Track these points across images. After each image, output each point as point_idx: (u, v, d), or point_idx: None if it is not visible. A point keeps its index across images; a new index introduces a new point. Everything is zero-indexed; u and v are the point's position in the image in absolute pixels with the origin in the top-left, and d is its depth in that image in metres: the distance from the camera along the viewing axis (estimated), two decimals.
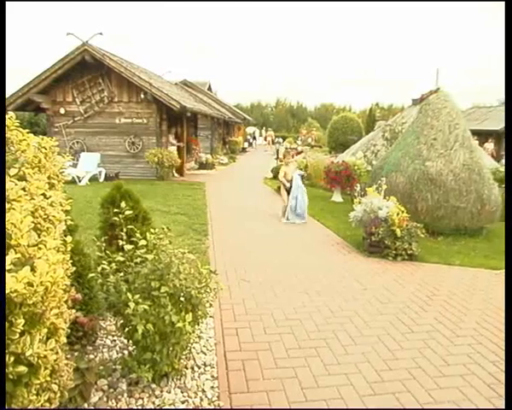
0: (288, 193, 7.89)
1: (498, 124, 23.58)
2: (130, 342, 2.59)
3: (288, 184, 7.95)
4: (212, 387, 2.72)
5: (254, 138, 37.21)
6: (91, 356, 2.91)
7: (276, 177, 13.18)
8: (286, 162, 8.48)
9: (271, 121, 61.05)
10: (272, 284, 4.62)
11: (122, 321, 2.47)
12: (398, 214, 5.42)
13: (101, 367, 2.60)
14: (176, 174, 14.32)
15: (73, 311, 2.15)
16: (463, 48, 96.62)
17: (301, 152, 23.48)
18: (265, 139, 45.62)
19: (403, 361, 3.14)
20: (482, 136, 22.83)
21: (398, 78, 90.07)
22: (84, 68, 13.00)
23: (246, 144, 32.52)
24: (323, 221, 7.74)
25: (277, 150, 24.52)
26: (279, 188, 11.43)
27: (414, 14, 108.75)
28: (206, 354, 3.11)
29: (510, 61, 3.00)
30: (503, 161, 18.19)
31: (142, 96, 13.14)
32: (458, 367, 3.10)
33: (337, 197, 10.02)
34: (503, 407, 2.22)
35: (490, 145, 19.78)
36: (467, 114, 29.22)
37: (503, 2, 3.27)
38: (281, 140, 28.46)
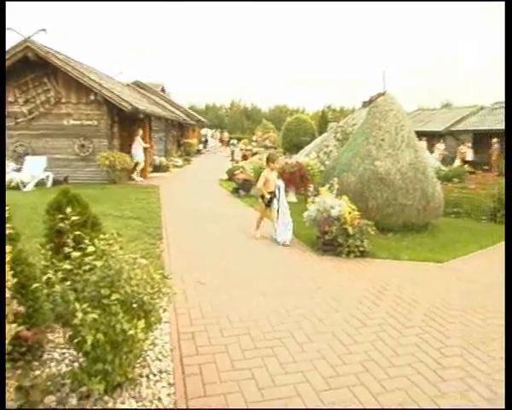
0: (267, 206, 6.67)
1: (441, 125, 25.02)
2: (81, 353, 2.48)
3: (267, 196, 6.59)
4: (169, 394, 2.67)
5: (206, 141, 36.88)
6: (37, 372, 2.75)
7: (231, 178, 13.19)
8: (272, 168, 6.81)
9: (226, 123, 61.01)
10: (228, 286, 4.61)
11: (71, 332, 2.36)
12: (349, 213, 5.59)
13: (49, 383, 2.47)
14: (139, 177, 14.01)
15: (14, 325, 2.02)
16: (409, 50, 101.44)
17: (256, 153, 23.69)
18: (221, 141, 45.55)
19: (356, 355, 3.24)
20: (427, 137, 24.10)
21: (349, 80, 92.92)
22: (28, 67, 12.35)
23: (201, 146, 32.27)
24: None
25: (232, 152, 24.58)
26: (235, 189, 11.48)
27: (362, 15, 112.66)
28: (161, 361, 3.04)
29: (510, 61, 3.09)
30: (434, 157, 19.29)
31: (92, 97, 12.69)
32: (407, 357, 3.24)
33: (292, 198, 10.17)
34: (503, 406, 2.30)
35: (441, 146, 20.83)
36: (412, 116, 30.72)
37: (503, 3, 3.39)
38: (235, 141, 28.48)
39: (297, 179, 9.97)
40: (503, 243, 7.02)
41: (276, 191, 6.54)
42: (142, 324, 2.28)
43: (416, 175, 6.91)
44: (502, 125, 19.97)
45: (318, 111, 49.11)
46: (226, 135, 48.45)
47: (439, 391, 2.82)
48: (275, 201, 6.54)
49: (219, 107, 67.27)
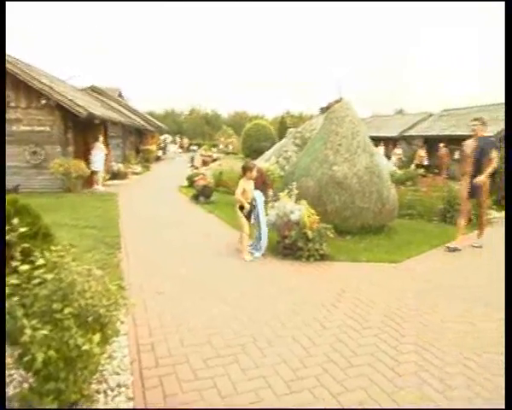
0: (247, 218, 6.11)
1: (395, 131, 26.09)
2: (31, 373, 2.35)
3: (247, 206, 6.05)
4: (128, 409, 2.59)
5: (164, 147, 36.29)
6: None
7: (191, 185, 13.06)
8: (248, 177, 6.19)
9: (186, 129, 60.47)
10: (189, 294, 4.55)
11: (20, 351, 2.23)
12: (309, 217, 5.68)
13: None
14: (100, 186, 13.52)
15: None
16: (364, 53, 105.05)
17: (216, 159, 23.64)
18: (180, 147, 45.05)
19: (316, 358, 3.29)
20: (382, 141, 25.01)
21: (308, 85, 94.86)
22: None
23: (160, 153, 31.75)
24: (239, 228, 7.82)
25: (192, 158, 24.36)
26: (195, 196, 11.37)
27: (320, 20, 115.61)
28: (120, 375, 2.95)
29: (510, 60, 3.17)
30: (392, 161, 20.08)
31: (44, 101, 12.17)
32: (366, 357, 3.33)
33: None
34: (503, 407, 2.37)
35: (399, 150, 21.59)
36: (368, 121, 31.82)
37: (503, 3, 3.45)
38: (195, 147, 28.28)
39: (258, 185, 9.99)
40: (452, 242, 7.39)
41: (254, 203, 6.13)
42: (97, 337, 2.20)
43: (371, 179, 7.14)
44: (449, 131, 21.17)
45: (278, 117, 49.75)
46: (186, 141, 48.02)
47: (395, 387, 2.92)
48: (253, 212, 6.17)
49: (179, 113, 66.57)
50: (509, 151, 3.22)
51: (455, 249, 6.72)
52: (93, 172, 13.39)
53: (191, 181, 13.44)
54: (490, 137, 6.94)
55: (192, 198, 11.49)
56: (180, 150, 42.89)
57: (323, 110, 13.18)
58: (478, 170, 6.65)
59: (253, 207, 6.15)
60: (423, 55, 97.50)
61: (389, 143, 25.06)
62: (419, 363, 3.25)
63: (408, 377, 3.05)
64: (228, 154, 33.32)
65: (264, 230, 6.02)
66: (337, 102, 8.58)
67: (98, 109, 15.51)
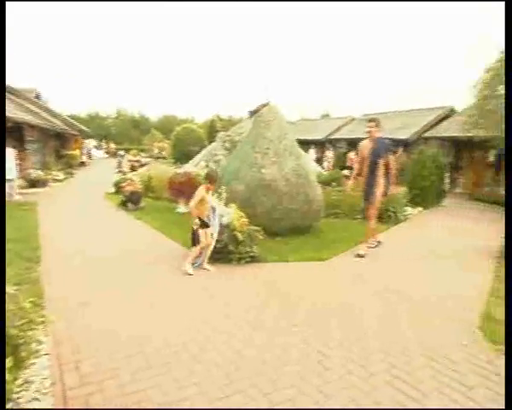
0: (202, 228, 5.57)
1: (322, 134, 27.26)
2: None
3: (205, 219, 5.59)
4: None
5: (89, 152, 34.47)
6: None
7: (118, 191, 12.53)
8: (208, 188, 5.63)
9: (112, 133, 57.99)
10: (116, 303, 4.37)
11: None
12: (238, 220, 5.73)
13: None
14: (17, 195, 12.37)
15: None
16: (295, 62, 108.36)
17: (145, 164, 22.95)
18: (107, 152, 43.08)
19: (249, 360, 3.32)
20: (309, 144, 26.00)
21: (237, 90, 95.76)
22: None
23: (84, 158, 30.08)
24: (170, 234, 7.68)
25: (119, 163, 23.41)
26: (123, 203, 10.93)
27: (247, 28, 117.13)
28: (40, 401, 2.73)
29: (510, 60, 3.28)
30: (325, 164, 21.08)
31: None
32: (295, 353, 3.44)
33: (182, 208, 10.08)
34: (503, 406, 2.45)
35: (330, 153, 22.47)
36: (296, 125, 32.86)
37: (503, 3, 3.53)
38: (122, 152, 27.20)
39: (187, 189, 9.89)
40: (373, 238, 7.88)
41: (211, 214, 5.70)
42: (9, 362, 2.03)
43: (298, 180, 7.40)
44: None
45: (208, 120, 49.58)
46: (113, 145, 46.01)
47: (324, 381, 3.05)
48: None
49: (104, 116, 63.61)
50: (509, 151, 3.36)
51: (377, 245, 7.04)
52: (7, 181, 12.31)
53: (118, 187, 12.91)
54: (384, 138, 6.89)
55: (119, 205, 11.04)
56: (106, 155, 41.01)
57: (252, 114, 13.36)
58: (372, 171, 6.65)
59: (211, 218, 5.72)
60: (351, 59, 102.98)
61: (318, 145, 26.12)
62: (346, 355, 3.43)
63: (336, 369, 3.20)
64: (157, 158, 32.49)
65: (215, 238, 5.72)
66: (264, 106, 8.75)
67: (11, 111, 14.31)
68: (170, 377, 3.06)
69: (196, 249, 5.56)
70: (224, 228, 5.72)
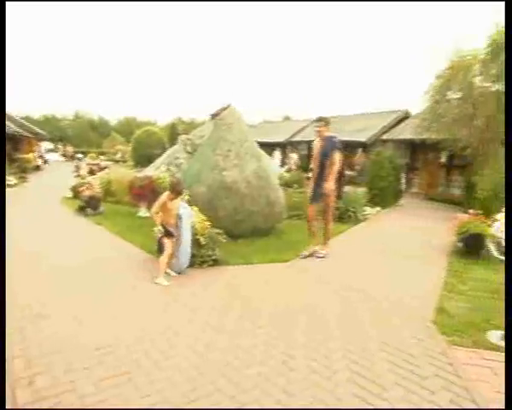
0: (168, 237, 5.31)
1: (283, 136, 27.60)
2: None
3: (167, 228, 5.31)
4: None
5: (42, 156, 33.03)
6: None
7: (76, 196, 12.10)
8: (171, 198, 5.29)
9: (70, 136, 56.01)
10: (77, 312, 4.20)
11: None
12: (200, 223, 5.69)
13: None
14: None
15: None
16: (257, 65, 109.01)
17: (105, 168, 22.30)
18: (64, 155, 41.57)
19: (213, 364, 3.30)
20: (271, 147, 26.22)
21: (200, 93, 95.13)
22: None
23: (40, 161, 28.82)
24: (130, 239, 7.50)
25: (77, 167, 22.63)
26: (81, 208, 10.55)
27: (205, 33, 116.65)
28: None
29: (510, 60, 3.28)
30: (287, 166, 21.36)
31: None
32: (260, 356, 3.45)
33: (144, 212, 9.88)
34: (503, 406, 2.47)
35: (294, 155, 22.70)
36: (258, 128, 33.06)
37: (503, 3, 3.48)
38: (81, 155, 26.32)
39: (148, 193, 9.72)
40: (334, 239, 8.07)
41: (178, 222, 5.38)
42: None
43: (260, 183, 7.45)
44: None
45: (169, 123, 48.93)
46: (70, 149, 44.43)
47: (288, 381, 3.07)
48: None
49: (61, 118, 61.29)
50: (509, 150, 3.44)
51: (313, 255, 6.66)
52: None
53: (76, 192, 12.47)
54: (333, 137, 6.66)
55: (77, 210, 10.65)
56: (63, 159, 39.53)
57: (213, 117, 13.30)
58: (321, 171, 6.54)
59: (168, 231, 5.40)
60: (312, 63, 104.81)
61: (279, 148, 26.38)
62: (310, 356, 3.48)
63: (299, 370, 3.24)
64: (117, 162, 31.70)
65: (186, 249, 5.48)
66: (225, 109, 8.74)
67: None
68: (132, 385, 2.98)
69: (163, 259, 5.26)
70: None
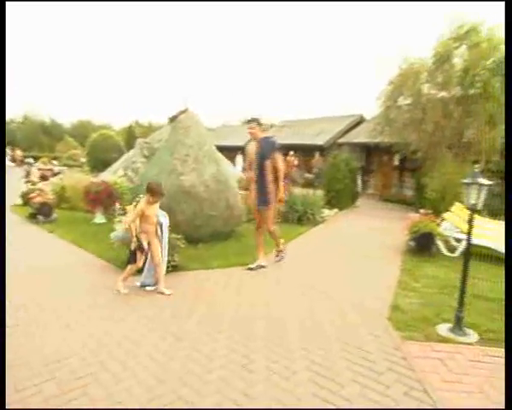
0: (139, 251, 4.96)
1: (241, 140, 27.69)
2: None
3: (144, 242, 4.95)
4: None
5: None
6: None
7: (27, 203, 11.52)
8: (151, 201, 4.98)
9: (19, 139, 53.26)
10: (30, 324, 4.00)
11: None
12: None
13: None
14: None
15: None
16: (216, 69, 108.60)
17: (58, 173, 21.41)
18: (13, 160, 39.47)
19: (173, 372, 3.25)
20: (230, 150, 26.25)
21: (158, 96, 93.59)
22: None
23: None
24: (85, 246, 7.24)
25: (27, 172, 21.57)
26: (32, 215, 10.05)
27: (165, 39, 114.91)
28: None
29: (510, 60, 3.28)
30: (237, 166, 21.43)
31: None
32: (220, 360, 3.44)
33: (100, 219, 9.58)
34: (503, 406, 2.48)
35: (240, 158, 22.79)
36: (217, 131, 33.01)
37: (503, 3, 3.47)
38: (31, 160, 25.10)
39: (104, 199, 9.44)
40: (293, 241, 8.21)
41: (158, 230, 5.14)
42: None
43: (218, 187, 7.44)
44: (290, 141, 23.50)
45: (126, 127, 47.76)
46: (19, 153, 42.25)
47: (248, 385, 3.09)
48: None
49: (8, 121, 58.20)
50: (509, 152, 3.49)
51: (261, 267, 6.21)
52: None
53: (26, 199, 11.87)
54: (269, 138, 6.34)
55: (28, 218, 10.15)
56: (12, 164, 37.53)
57: (171, 120, 13.16)
58: (261, 174, 6.08)
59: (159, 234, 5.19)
60: (271, 67, 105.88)
61: (236, 151, 26.43)
62: (270, 357, 3.51)
63: (260, 372, 3.26)
64: (71, 167, 30.51)
65: (165, 258, 5.26)
66: (183, 112, 8.67)
67: None
68: (87, 400, 2.87)
69: (131, 269, 5.03)
70: None
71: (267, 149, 6.10)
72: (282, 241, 6.73)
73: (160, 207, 5.24)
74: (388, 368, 3.36)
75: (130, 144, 26.99)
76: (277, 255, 6.69)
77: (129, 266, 5.07)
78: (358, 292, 5.27)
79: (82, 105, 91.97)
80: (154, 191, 4.98)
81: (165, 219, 5.29)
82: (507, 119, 3.00)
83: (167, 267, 5.63)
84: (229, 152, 25.76)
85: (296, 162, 20.00)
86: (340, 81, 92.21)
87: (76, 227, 9.02)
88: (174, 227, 6.05)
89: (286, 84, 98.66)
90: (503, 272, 6.45)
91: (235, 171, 15.30)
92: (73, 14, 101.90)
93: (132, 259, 5.03)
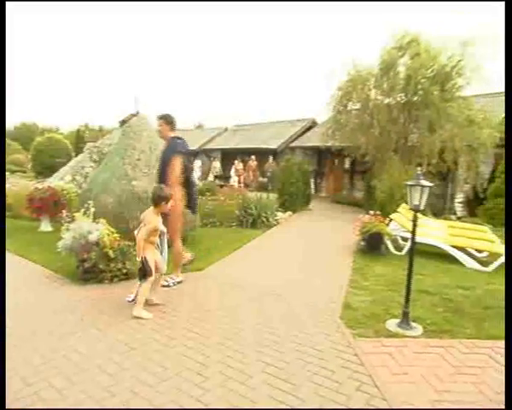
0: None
1: (195, 144, 27.46)
2: None
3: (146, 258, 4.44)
4: None
5: None
6: None
7: None
8: (162, 209, 4.64)
9: None
10: None
11: None
12: (109, 235, 5.42)
13: None
14: None
15: None
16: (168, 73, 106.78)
17: None
18: None
19: (124, 383, 3.14)
20: (198, 154, 25.97)
21: (108, 100, 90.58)
22: None
23: None
24: (30, 256, 6.86)
25: None
26: None
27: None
28: None
29: (510, 61, 3.25)
30: (198, 174, 21.31)
31: None
32: (174, 368, 3.36)
33: (46, 227, 9.12)
34: (503, 406, 2.48)
35: (217, 164, 22.57)
36: None
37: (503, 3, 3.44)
38: None
39: (50, 206, 9.00)
40: (248, 244, 8.26)
41: (158, 240, 4.77)
42: None
43: None
44: (242, 145, 23.65)
45: (74, 130, 45.84)
46: None
47: (202, 391, 3.05)
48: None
49: None
50: (509, 153, 3.52)
51: (179, 282, 5.58)
52: None
53: None
54: (177, 138, 5.54)
55: None
56: None
57: (122, 124, 12.84)
58: (162, 178, 5.39)
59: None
60: (224, 71, 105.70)
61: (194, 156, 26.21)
62: (225, 362, 3.49)
63: (215, 378, 3.23)
64: (14, 172, 28.81)
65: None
66: (134, 115, 8.48)
67: None
68: None
69: (147, 285, 4.48)
70: (93, 246, 5.34)
71: (170, 150, 5.40)
72: (185, 260, 5.91)
73: (111, 213, 5.09)
74: (341, 365, 3.46)
75: (78, 148, 25.98)
76: (164, 282, 5.32)
77: (143, 285, 4.48)
78: (312, 293, 5.38)
79: (26, 107, 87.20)
80: (163, 198, 4.59)
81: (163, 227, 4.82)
82: (507, 119, 3.14)
83: (116, 276, 5.48)
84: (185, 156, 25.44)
85: (253, 167, 20.20)
86: (294, 86, 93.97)
87: (20, 236, 8.51)
88: (126, 234, 5.89)
89: (239, 88, 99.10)
90: (445, 267, 6.89)
91: (199, 175, 15.15)
92: (13, 12, 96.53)
93: (143, 272, 4.47)
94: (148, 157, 7.37)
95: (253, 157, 20.87)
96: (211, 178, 20.98)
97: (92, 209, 5.70)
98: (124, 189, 6.91)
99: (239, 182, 20.20)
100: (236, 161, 21.39)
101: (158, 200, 4.59)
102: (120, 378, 3.21)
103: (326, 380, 3.22)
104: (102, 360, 3.48)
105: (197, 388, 3.09)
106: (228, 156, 24.05)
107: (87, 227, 5.42)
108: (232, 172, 20.76)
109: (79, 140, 30.04)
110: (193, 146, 27.37)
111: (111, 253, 5.33)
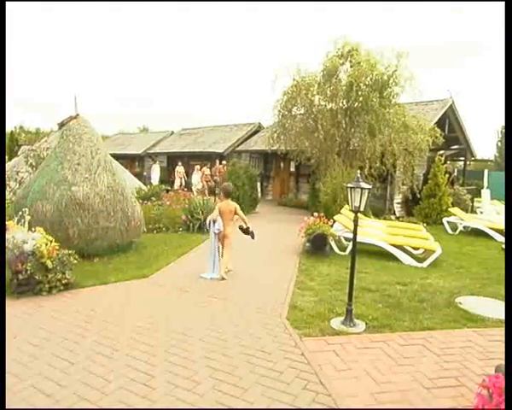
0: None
1: (141, 148, 26.75)
2: None
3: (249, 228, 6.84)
4: None
5: None
6: None
7: None
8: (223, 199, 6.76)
9: None
10: None
11: None
12: (46, 245, 5.12)
13: None
14: None
15: None
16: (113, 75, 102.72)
17: None
18: None
19: (64, 396, 2.99)
20: (128, 159, 25.22)
21: (46, 100, 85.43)
22: None
23: None
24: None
25: None
26: None
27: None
28: None
29: (510, 61, 3.19)
30: (153, 175, 20.81)
31: None
32: (119, 380, 3.25)
33: None
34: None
35: (181, 168, 21.92)
36: (113, 139, 31.46)
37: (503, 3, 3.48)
38: None
39: None
40: (195, 249, 8.18)
41: (212, 227, 6.32)
42: None
43: (115, 197, 7.07)
44: (188, 149, 23.38)
45: (8, 132, 42.78)
46: None
47: (150, 402, 2.97)
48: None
49: None
50: (508, 153, 3.52)
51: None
52: None
53: None
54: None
55: None
56: None
57: (61, 126, 12.20)
58: None
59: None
60: (172, 73, 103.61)
61: (135, 160, 25.48)
62: (169, 369, 3.43)
63: (162, 388, 3.16)
64: None
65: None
66: (73, 118, 8.09)
67: None
68: None
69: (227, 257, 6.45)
70: (29, 256, 5.02)
71: None
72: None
73: (49, 221, 4.83)
74: (288, 366, 3.52)
75: (12, 152, 24.31)
76: None
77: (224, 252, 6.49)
78: (259, 295, 5.43)
79: None
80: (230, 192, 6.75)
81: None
82: (507, 119, 3.27)
83: (55, 287, 5.19)
84: (127, 160, 24.80)
85: (208, 172, 19.97)
86: (240, 90, 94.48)
87: None
88: (66, 242, 5.65)
89: (185, 92, 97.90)
90: (385, 264, 7.25)
91: (132, 180, 14.68)
92: None
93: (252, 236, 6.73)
94: (90, 162, 7.07)
95: (224, 162, 20.56)
96: (177, 183, 20.35)
97: (28, 217, 5.36)
98: (62, 195, 6.57)
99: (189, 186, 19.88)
100: (178, 166, 21.11)
101: (228, 193, 6.65)
102: (64, 384, 3.05)
103: (274, 381, 3.27)
104: (45, 369, 3.31)
105: (144, 399, 3.00)
106: (174, 160, 23.65)
107: (21, 237, 5.09)
108: (194, 178, 20.02)
109: (14, 143, 28.16)
110: (137, 150, 26.66)
111: (49, 263, 5.04)
